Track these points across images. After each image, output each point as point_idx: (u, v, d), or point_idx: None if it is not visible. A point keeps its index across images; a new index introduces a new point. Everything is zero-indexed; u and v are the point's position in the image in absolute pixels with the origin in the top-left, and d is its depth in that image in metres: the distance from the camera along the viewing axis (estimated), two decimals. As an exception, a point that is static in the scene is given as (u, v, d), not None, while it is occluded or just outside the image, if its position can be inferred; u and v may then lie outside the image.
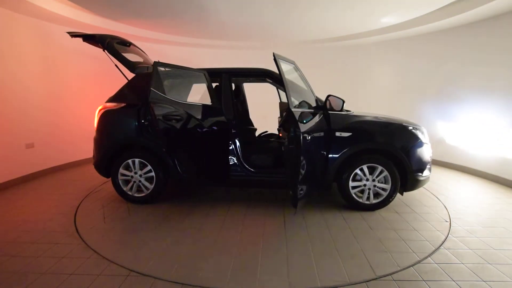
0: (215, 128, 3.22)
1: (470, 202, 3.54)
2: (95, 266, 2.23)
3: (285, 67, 2.84)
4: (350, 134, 3.06)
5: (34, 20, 4.58)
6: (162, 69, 3.02)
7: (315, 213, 3.19)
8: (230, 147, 3.33)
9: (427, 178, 3.21)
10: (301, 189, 2.70)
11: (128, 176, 3.40)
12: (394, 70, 6.33)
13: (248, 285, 1.99)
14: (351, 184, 3.13)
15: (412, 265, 2.22)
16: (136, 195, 3.44)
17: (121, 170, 3.39)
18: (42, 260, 2.31)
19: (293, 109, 2.63)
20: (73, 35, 3.26)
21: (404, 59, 6.02)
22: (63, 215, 3.18)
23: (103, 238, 2.68)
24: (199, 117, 3.11)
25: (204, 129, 3.13)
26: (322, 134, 2.98)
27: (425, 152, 3.15)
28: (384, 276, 2.09)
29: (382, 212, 3.19)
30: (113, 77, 3.83)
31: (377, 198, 3.17)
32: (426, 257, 2.33)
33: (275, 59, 2.65)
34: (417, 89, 5.76)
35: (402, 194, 3.26)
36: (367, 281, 2.04)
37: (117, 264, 2.25)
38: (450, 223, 2.95)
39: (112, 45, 3.27)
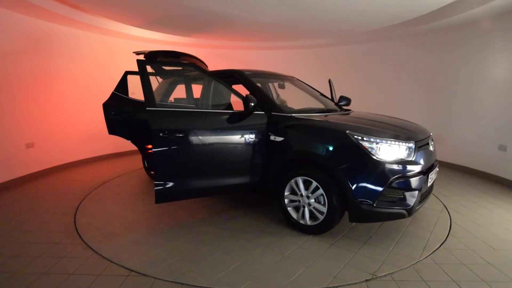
0: None
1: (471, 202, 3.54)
2: (95, 266, 2.23)
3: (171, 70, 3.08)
4: (282, 139, 2.73)
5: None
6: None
7: (238, 218, 3.08)
8: None
9: (398, 212, 2.37)
10: (166, 184, 2.59)
11: None
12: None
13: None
14: (287, 196, 2.77)
15: (412, 265, 2.23)
16: (151, 172, 4.39)
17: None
18: (42, 260, 2.31)
19: (151, 108, 2.53)
20: (138, 53, 3.98)
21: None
22: (63, 215, 3.18)
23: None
24: None
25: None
26: (253, 136, 2.80)
27: (379, 173, 2.31)
28: (384, 275, 2.10)
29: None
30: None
31: (314, 220, 2.64)
32: (426, 257, 2.34)
33: (138, 65, 2.60)
34: None
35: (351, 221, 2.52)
36: (367, 280, 2.05)
37: (117, 264, 2.25)
38: (450, 223, 2.95)
39: (153, 59, 3.87)
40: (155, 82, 4.14)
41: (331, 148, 2.48)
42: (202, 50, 6.83)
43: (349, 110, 3.54)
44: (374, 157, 2.32)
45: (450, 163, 5.19)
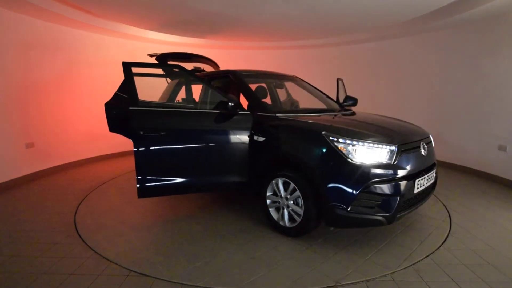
0: None
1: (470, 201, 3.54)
2: (95, 266, 2.23)
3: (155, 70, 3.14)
4: (264, 139, 2.73)
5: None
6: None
7: (223, 216, 3.12)
8: None
9: (375, 219, 2.24)
10: (146, 181, 2.68)
11: None
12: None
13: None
14: (269, 197, 2.77)
15: (412, 265, 2.23)
16: None
17: None
18: (42, 260, 2.31)
19: (134, 108, 2.63)
20: (151, 55, 4.19)
21: None
22: (63, 215, 3.18)
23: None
24: None
25: None
26: (237, 136, 2.82)
27: (354, 177, 2.21)
28: (384, 275, 2.10)
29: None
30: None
31: (293, 222, 2.61)
32: (426, 257, 2.34)
33: (124, 67, 2.69)
34: None
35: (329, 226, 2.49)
36: (367, 280, 2.05)
37: (117, 264, 2.25)
38: (450, 223, 2.95)
39: (164, 62, 4.02)
40: (164, 83, 4.20)
41: (306, 149, 2.44)
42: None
43: (350, 110, 3.52)
44: (348, 160, 2.23)
45: (450, 163, 5.19)
